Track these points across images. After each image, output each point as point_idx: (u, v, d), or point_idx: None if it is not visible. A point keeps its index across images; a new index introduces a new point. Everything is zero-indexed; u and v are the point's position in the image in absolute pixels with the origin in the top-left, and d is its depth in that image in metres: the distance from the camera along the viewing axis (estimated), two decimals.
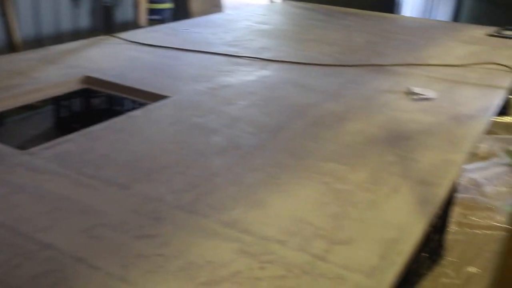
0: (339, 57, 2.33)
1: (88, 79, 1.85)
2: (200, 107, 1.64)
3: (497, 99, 1.90)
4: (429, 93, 1.88)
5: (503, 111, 3.00)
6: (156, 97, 1.71)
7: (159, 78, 1.89)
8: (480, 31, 3.09)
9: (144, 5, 3.25)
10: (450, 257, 1.55)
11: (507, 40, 2.89)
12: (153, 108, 1.61)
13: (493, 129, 2.73)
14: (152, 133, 1.44)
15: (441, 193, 1.22)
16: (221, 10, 4.72)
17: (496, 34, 2.99)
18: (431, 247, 1.49)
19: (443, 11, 4.36)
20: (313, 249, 0.97)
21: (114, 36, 2.39)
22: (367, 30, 2.98)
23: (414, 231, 1.05)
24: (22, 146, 1.34)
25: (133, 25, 3.26)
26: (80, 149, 1.31)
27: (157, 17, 3.45)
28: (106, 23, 3.26)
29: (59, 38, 3.12)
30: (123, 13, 3.38)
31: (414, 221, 1.09)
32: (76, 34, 3.21)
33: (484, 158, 2.34)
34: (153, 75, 1.92)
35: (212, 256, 0.94)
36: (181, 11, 4.13)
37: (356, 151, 1.40)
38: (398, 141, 1.48)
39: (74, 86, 1.85)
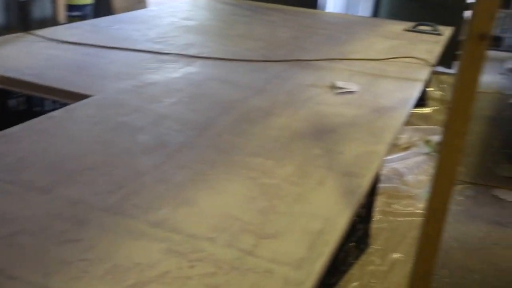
0: (264, 53, 2.35)
1: (3, 79, 1.76)
2: (125, 106, 1.60)
3: (415, 91, 1.99)
4: (352, 87, 1.94)
5: (422, 103, 3.15)
6: (78, 97, 1.65)
7: (81, 76, 1.83)
8: (398, 27, 3.21)
9: (62, 1, 3.13)
10: (375, 245, 1.61)
11: (423, 35, 3.03)
12: (75, 107, 1.56)
13: (412, 120, 2.86)
14: (75, 134, 1.39)
15: (365, 183, 1.26)
16: (146, 6, 4.64)
17: (412, 29, 3.13)
18: (358, 236, 1.53)
19: (364, 7, 4.50)
20: (242, 245, 0.98)
21: (31, 34, 2.28)
22: (291, 25, 3.03)
23: (340, 221, 1.08)
24: None
25: (52, 22, 3.13)
26: None
27: (77, 14, 3.34)
28: (22, 20, 3.11)
29: None
30: (40, 9, 3.24)
31: (339, 212, 1.12)
32: None
33: (404, 148, 2.45)
34: (75, 74, 1.85)
35: (140, 258, 0.92)
36: (103, 7, 4.01)
37: (282, 145, 1.42)
38: (323, 135, 1.51)
39: None
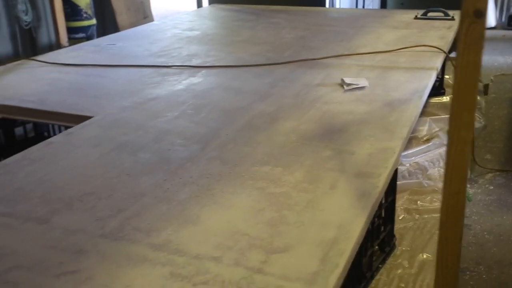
0: (269, 56, 2.28)
1: (3, 108, 1.73)
2: (126, 124, 1.55)
3: (429, 81, 1.90)
4: (362, 82, 1.86)
5: (440, 92, 3.03)
6: (78, 119, 1.61)
7: (82, 98, 1.79)
8: (407, 15, 3.12)
9: (63, 24, 3.11)
10: (402, 246, 1.51)
11: (434, 21, 2.93)
12: (74, 131, 1.51)
13: (431, 110, 2.75)
14: (74, 159, 1.34)
15: (381, 183, 1.18)
16: (152, 20, 4.61)
17: (422, 16, 3.03)
18: (382, 239, 1.45)
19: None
20: (250, 262, 0.91)
21: (33, 60, 2.26)
22: (297, 25, 2.96)
23: (355, 227, 1.01)
24: None
25: (56, 46, 3.12)
26: None
27: (82, 35, 3.32)
28: (28, 47, 3.10)
29: None
30: (46, 35, 3.23)
31: (354, 217, 1.04)
32: None
33: (425, 141, 2.34)
34: (76, 96, 1.81)
35: (142, 285, 0.86)
36: (109, 26, 4.00)
37: (290, 150, 1.35)
38: (333, 135, 1.44)
39: None
